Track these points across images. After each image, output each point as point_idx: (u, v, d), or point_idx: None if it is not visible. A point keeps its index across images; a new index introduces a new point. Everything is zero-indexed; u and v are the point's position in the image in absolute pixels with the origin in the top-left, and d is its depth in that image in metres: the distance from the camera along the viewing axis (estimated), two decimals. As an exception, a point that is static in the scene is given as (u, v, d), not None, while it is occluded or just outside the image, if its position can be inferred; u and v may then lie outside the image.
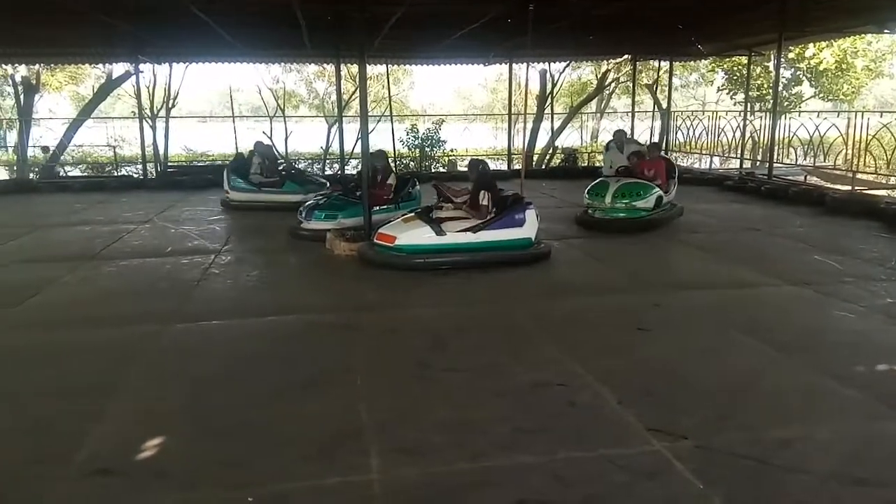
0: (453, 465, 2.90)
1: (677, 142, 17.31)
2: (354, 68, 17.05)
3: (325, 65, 20.44)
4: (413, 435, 3.16)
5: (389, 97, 15.47)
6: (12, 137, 21.16)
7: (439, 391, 3.67)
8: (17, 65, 17.58)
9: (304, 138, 21.70)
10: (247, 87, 25.91)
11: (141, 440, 3.10)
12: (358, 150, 12.99)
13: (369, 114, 7.89)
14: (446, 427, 3.23)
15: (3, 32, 11.92)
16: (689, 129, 16.90)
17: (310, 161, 21.20)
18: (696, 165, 17.30)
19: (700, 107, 27.34)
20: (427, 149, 17.65)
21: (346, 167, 15.23)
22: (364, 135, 7.46)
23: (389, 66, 17.20)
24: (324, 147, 20.89)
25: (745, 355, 4.18)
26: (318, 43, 11.91)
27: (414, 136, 17.81)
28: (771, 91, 15.25)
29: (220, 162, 18.59)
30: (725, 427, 3.20)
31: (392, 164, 9.72)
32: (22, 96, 19.55)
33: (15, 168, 18.82)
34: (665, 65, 17.95)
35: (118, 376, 3.89)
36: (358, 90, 7.79)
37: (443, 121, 19.89)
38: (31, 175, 17.32)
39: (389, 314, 5.11)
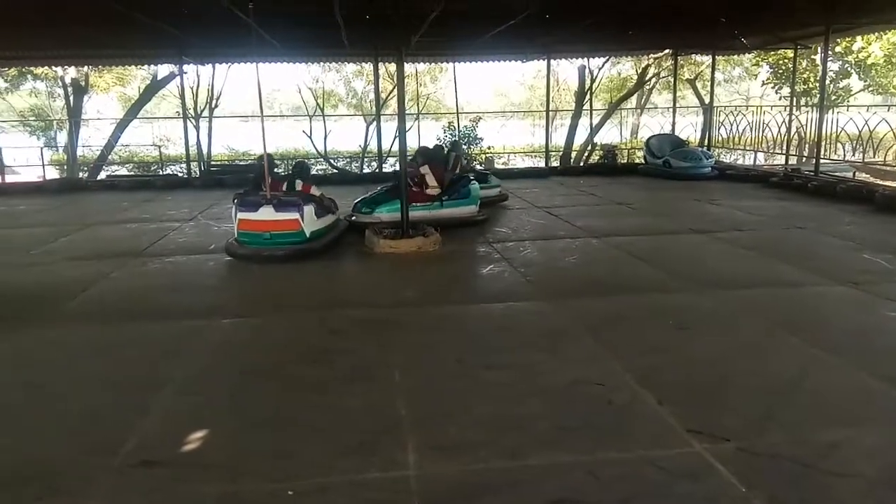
0: (490, 462, 2.90)
1: (720, 137, 16.97)
2: (392, 67, 17.14)
3: (363, 64, 20.60)
4: (451, 431, 3.17)
5: (456, 95, 15.04)
6: (62, 137, 21.88)
7: (477, 388, 3.68)
8: (66, 67, 18.19)
9: (343, 137, 21.94)
10: (287, 87, 26.29)
11: (185, 432, 3.17)
12: (395, 148, 13.07)
13: (406, 112, 7.93)
14: (483, 424, 3.24)
15: (54, 36, 12.33)
16: (732, 125, 16.56)
17: (348, 159, 21.43)
18: (740, 161, 16.95)
19: (744, 102, 26.76)
20: (464, 146, 17.67)
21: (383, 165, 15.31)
22: (402, 133, 7.50)
23: (427, 63, 17.25)
24: (362, 145, 21.08)
25: (790, 355, 4.08)
26: (357, 42, 12.02)
27: (451, 134, 17.84)
28: (818, 85, 14.83)
29: (258, 161, 18.90)
30: (769, 429, 3.14)
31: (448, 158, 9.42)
32: (71, 97, 20.21)
33: (65, 167, 19.44)
34: (707, 59, 17.63)
35: (164, 369, 4.00)
36: (396, 88, 7.84)
37: (479, 118, 19.88)
38: (81, 174, 17.88)
39: (427, 311, 5.13)
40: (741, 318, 4.84)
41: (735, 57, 21.89)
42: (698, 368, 3.91)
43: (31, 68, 19.73)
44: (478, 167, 11.40)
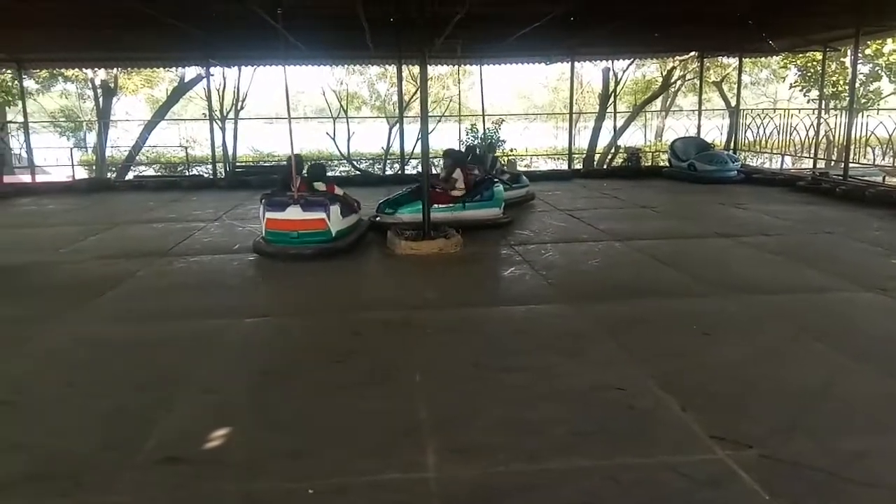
0: (510, 465, 2.89)
1: (747, 141, 16.76)
2: (416, 69, 17.20)
3: (386, 66, 20.70)
4: (471, 434, 3.17)
5: (482, 97, 15.03)
6: (92, 138, 22.29)
7: (496, 391, 3.67)
8: (96, 69, 18.53)
9: (366, 139, 22.04)
10: (312, 89, 26.51)
11: (207, 430, 3.21)
12: (417, 149, 13.12)
13: (429, 114, 7.96)
14: (503, 427, 3.23)
15: (85, 38, 12.56)
16: (759, 128, 16.34)
17: (371, 161, 21.53)
18: (767, 165, 16.73)
19: (771, 105, 26.41)
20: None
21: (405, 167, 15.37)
22: (424, 135, 7.53)
23: (450, 66, 17.26)
24: (384, 147, 21.17)
25: (816, 362, 4.02)
26: (381, 44, 12.08)
27: (473, 136, 17.83)
28: (847, 88, 14.58)
29: (284, 163, 19.10)
30: (794, 437, 3.09)
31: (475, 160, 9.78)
32: (101, 99, 20.59)
33: (94, 167, 19.79)
34: (734, 61, 17.43)
35: (188, 368, 4.05)
36: (419, 91, 7.87)
37: (502, 120, 19.84)
38: (109, 174, 18.18)
39: (448, 313, 5.13)
40: (767, 323, 4.77)
41: (762, 59, 21.62)
42: (722, 374, 3.86)
43: (62, 70, 20.14)
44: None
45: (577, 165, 17.39)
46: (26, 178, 14.90)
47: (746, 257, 6.86)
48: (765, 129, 16.08)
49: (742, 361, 4.05)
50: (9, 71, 17.71)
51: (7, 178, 13.90)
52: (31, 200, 12.23)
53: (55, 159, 17.48)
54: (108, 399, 3.63)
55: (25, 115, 15.50)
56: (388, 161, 20.54)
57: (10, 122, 15.15)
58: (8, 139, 17.05)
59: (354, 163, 20.10)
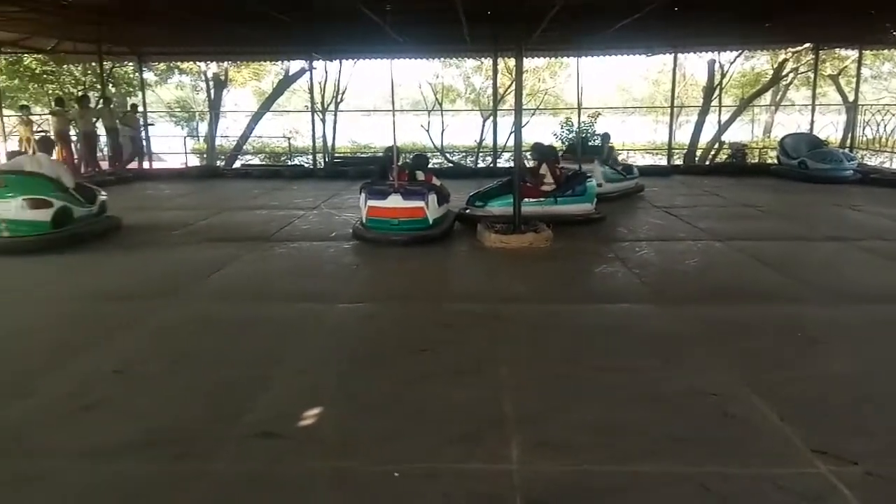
0: (595, 465, 2.86)
1: (865, 138, 15.64)
2: (512, 62, 17.11)
3: (482, 59, 20.73)
4: (555, 430, 3.16)
5: (578, 90, 14.87)
6: (203, 128, 23.58)
7: (586, 389, 3.63)
8: (209, 63, 19.60)
9: (460, 132, 22.18)
10: (408, 82, 26.90)
11: (302, 409, 3.36)
12: (510, 143, 13.06)
13: (524, 107, 7.93)
14: (590, 426, 3.19)
15: (198, 34, 13.30)
16: (879, 125, 15.20)
17: (464, 154, 21.65)
18: (887, 165, 15.56)
19: (894, 100, 24.49)
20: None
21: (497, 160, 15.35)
22: (518, 128, 7.50)
23: (547, 58, 17.03)
24: (477, 140, 21.23)
25: (936, 379, 3.72)
26: (478, 38, 12.10)
27: (568, 130, 17.57)
28: None
29: (380, 154, 19.50)
30: (905, 456, 2.89)
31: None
32: (212, 91, 21.74)
33: (205, 155, 20.95)
34: (853, 53, 16.29)
35: (285, 349, 4.24)
36: (514, 84, 7.85)
37: (598, 114, 19.43)
38: (218, 162, 19.19)
39: (537, 307, 5.11)
40: (882, 334, 4.46)
41: (885, 52, 20.04)
42: (828, 385, 3.65)
43: (178, 63, 21.43)
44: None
45: (677, 161, 16.79)
46: (146, 165, 16.00)
47: (860, 262, 6.43)
48: (886, 127, 14.95)
49: (849, 373, 3.81)
50: (130, 64, 19.02)
51: (129, 165, 14.97)
52: (149, 185, 13.13)
53: (170, 147, 18.63)
54: (211, 374, 3.86)
55: (145, 105, 16.61)
56: (481, 154, 20.58)
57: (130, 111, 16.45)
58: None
59: (447, 155, 20.28)
